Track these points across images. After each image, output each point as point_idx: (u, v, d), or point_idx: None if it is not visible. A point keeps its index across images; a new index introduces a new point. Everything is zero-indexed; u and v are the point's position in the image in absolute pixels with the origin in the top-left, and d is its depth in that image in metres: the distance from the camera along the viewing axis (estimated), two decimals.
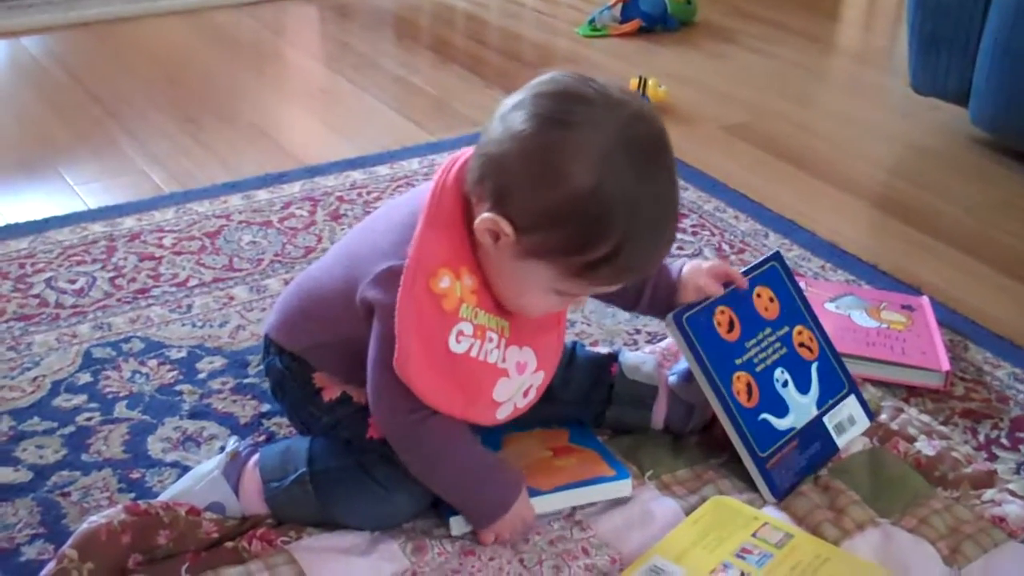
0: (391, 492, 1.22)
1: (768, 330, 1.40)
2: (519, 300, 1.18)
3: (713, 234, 1.98)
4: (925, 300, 1.73)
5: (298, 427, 1.37)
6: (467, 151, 1.17)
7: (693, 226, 2.00)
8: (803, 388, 1.40)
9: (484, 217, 1.11)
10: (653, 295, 1.36)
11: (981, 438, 1.47)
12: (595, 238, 1.07)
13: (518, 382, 1.23)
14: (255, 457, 1.28)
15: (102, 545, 1.16)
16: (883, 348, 1.58)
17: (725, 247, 1.93)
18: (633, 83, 2.56)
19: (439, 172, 1.18)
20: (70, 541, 1.16)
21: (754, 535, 1.24)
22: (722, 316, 1.36)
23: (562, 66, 2.87)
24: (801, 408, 1.38)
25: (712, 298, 1.36)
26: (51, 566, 1.14)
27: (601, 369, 1.42)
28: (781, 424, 1.35)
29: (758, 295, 1.42)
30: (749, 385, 1.35)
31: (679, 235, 1.96)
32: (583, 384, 1.40)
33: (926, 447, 1.40)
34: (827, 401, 1.41)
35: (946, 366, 1.55)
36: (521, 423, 1.32)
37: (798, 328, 1.43)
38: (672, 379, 1.41)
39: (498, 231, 1.10)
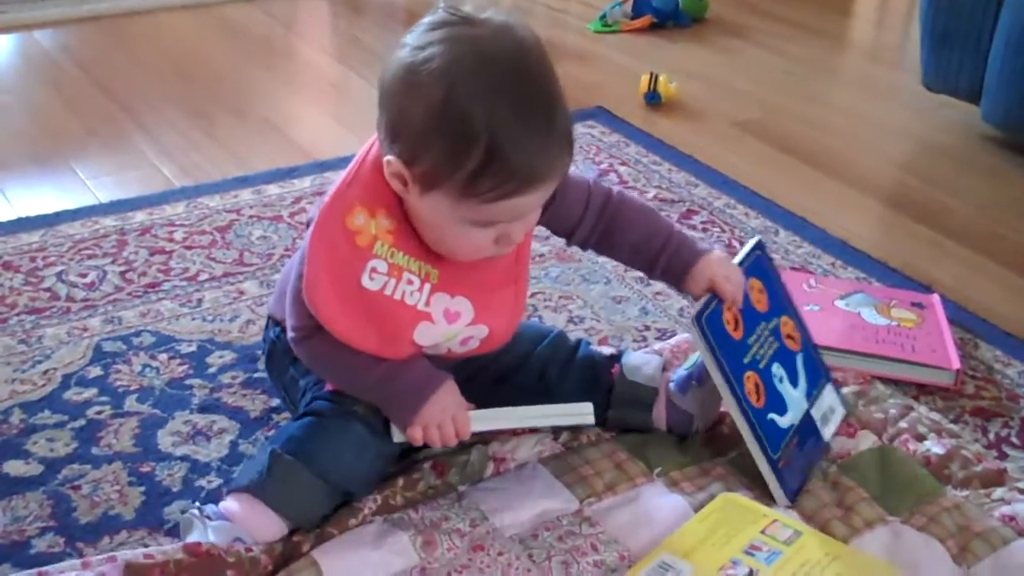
0: (349, 422, 1.24)
1: (762, 324, 1.38)
2: (444, 242, 1.20)
3: (723, 231, 1.97)
4: (935, 298, 1.73)
5: (282, 396, 1.42)
6: None
7: (704, 223, 2.00)
8: (794, 381, 1.38)
9: (386, 160, 1.16)
10: (668, 264, 1.35)
11: (991, 436, 1.46)
12: (463, 148, 1.08)
13: (446, 330, 1.24)
14: (227, 497, 1.25)
15: None
16: (893, 346, 1.58)
17: (735, 244, 1.92)
18: (644, 79, 2.56)
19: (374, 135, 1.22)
20: (113, 565, 1.11)
21: (763, 532, 1.24)
22: (729, 314, 1.34)
23: (572, 62, 2.88)
24: (796, 403, 1.37)
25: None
26: None
27: (601, 370, 1.40)
28: (783, 422, 1.34)
29: (750, 287, 1.38)
30: (757, 385, 1.33)
31: (690, 232, 1.96)
32: (580, 383, 1.38)
33: (936, 445, 1.40)
34: (812, 393, 1.40)
35: (956, 364, 1.55)
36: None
37: (783, 319, 1.42)
38: (671, 387, 1.40)
39: (398, 172, 1.14)
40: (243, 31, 3.09)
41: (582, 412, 1.31)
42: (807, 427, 1.37)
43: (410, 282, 1.21)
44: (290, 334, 1.25)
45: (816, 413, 1.39)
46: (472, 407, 1.28)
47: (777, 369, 1.37)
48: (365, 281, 1.19)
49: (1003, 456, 1.43)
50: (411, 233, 1.21)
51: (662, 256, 1.35)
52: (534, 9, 3.39)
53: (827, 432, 1.39)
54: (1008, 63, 2.18)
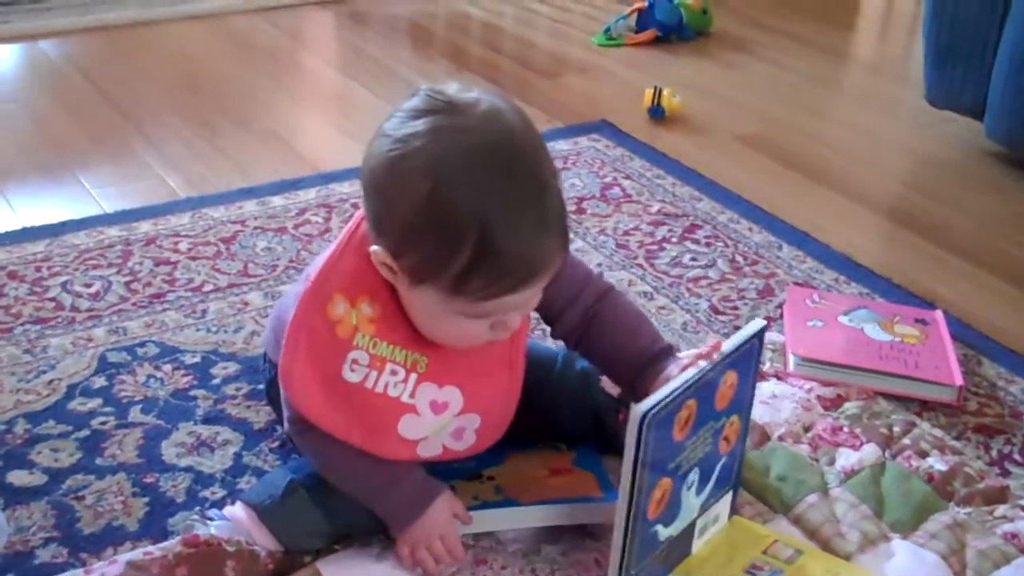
0: None
1: (711, 423, 1.19)
2: (436, 332, 1.15)
3: (727, 245, 1.98)
4: (939, 314, 1.73)
5: (282, 425, 1.37)
6: None
7: (707, 237, 2.00)
8: (701, 488, 1.21)
9: (372, 250, 1.11)
10: (639, 381, 1.25)
11: (994, 453, 1.46)
12: (450, 247, 1.04)
13: (433, 421, 1.19)
14: (237, 503, 1.26)
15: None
16: (896, 362, 1.58)
17: (739, 259, 1.93)
18: (648, 93, 2.57)
19: (361, 210, 1.17)
20: (114, 566, 1.13)
21: (764, 552, 1.24)
22: (685, 412, 1.13)
23: (576, 75, 2.88)
24: (688, 512, 1.21)
25: (687, 385, 1.12)
26: None
27: (606, 415, 1.36)
28: (664, 533, 1.18)
29: (724, 381, 1.18)
30: (664, 493, 1.15)
31: (693, 246, 1.97)
32: (581, 422, 1.36)
33: (938, 462, 1.40)
34: (711, 501, 1.24)
35: (959, 381, 1.55)
36: (527, 440, 1.32)
37: (732, 419, 1.23)
38: None
39: (386, 263, 1.11)
40: (248, 42, 3.10)
41: (606, 512, 1.22)
42: (683, 538, 1.22)
43: (394, 373, 1.17)
44: (286, 424, 1.24)
45: (700, 523, 1.24)
46: (470, 519, 1.24)
47: (693, 475, 1.19)
48: (346, 373, 1.15)
49: (1006, 473, 1.43)
50: (399, 320, 1.16)
51: (633, 369, 1.26)
52: (538, 22, 3.39)
53: (696, 545, 1.25)
54: (1012, 79, 2.18)
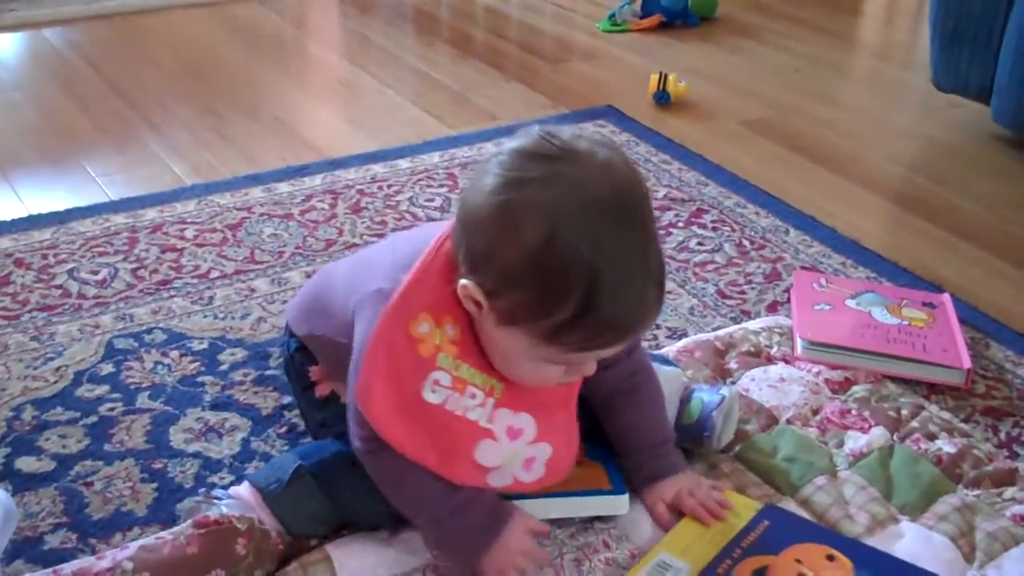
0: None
1: None
2: (513, 369, 1.14)
3: (734, 230, 1.97)
4: (946, 297, 1.72)
5: (298, 403, 1.40)
6: None
7: (714, 222, 2.00)
8: None
9: (461, 284, 1.09)
10: (644, 461, 1.28)
11: (1002, 436, 1.46)
12: (556, 298, 1.02)
13: (509, 448, 1.17)
14: (243, 484, 1.26)
15: (162, 556, 1.12)
16: (904, 345, 1.57)
17: (746, 243, 1.92)
18: (654, 78, 2.56)
19: (445, 228, 1.15)
20: (126, 551, 1.13)
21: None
22: None
23: (581, 61, 2.88)
24: None
25: None
26: (101, 566, 1.11)
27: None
28: None
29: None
30: None
31: (700, 231, 1.96)
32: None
33: (947, 444, 1.40)
34: None
35: (967, 363, 1.54)
36: None
37: None
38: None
39: (474, 298, 1.08)
40: (253, 30, 3.10)
41: (614, 504, 1.25)
42: None
43: (473, 396, 1.14)
44: (355, 443, 1.17)
45: None
46: (547, 530, 1.22)
47: None
48: (426, 393, 1.12)
49: (1014, 456, 1.42)
50: (478, 345, 1.14)
51: (644, 452, 1.28)
52: (543, 8, 3.39)
53: None
54: (1018, 62, 2.18)
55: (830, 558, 1.20)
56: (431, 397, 1.12)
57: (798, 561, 1.20)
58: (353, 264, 1.31)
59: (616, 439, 1.31)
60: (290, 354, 1.37)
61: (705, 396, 1.37)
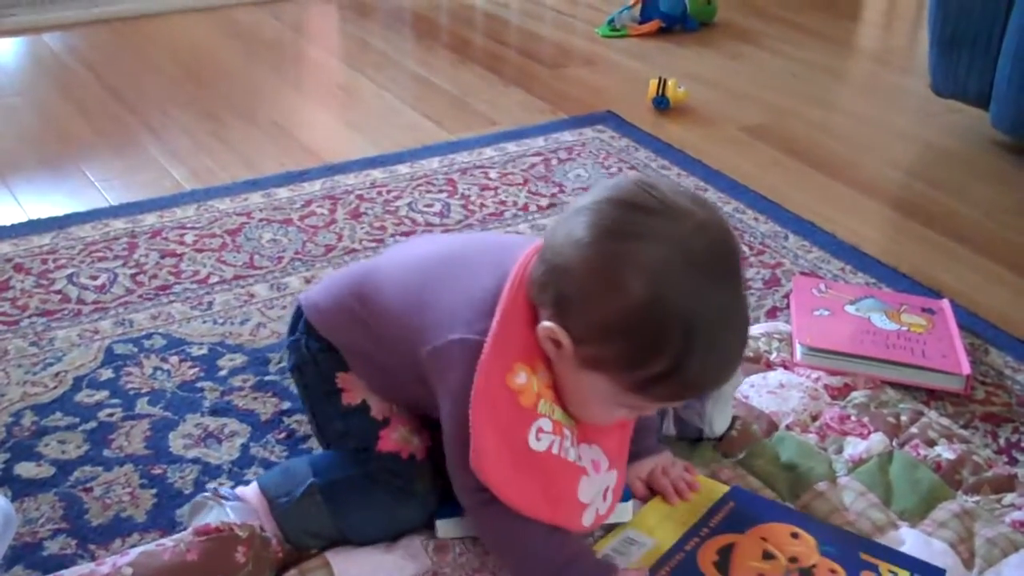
0: (398, 502, 1.21)
1: None
2: (586, 410, 1.15)
3: None
4: (946, 303, 1.72)
5: (309, 416, 1.35)
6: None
7: None
8: None
9: (543, 326, 1.09)
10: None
11: (1002, 442, 1.46)
12: (651, 354, 1.04)
13: (598, 481, 1.18)
14: (252, 484, 1.26)
15: (162, 562, 1.12)
16: (903, 351, 1.57)
17: (745, 249, 1.92)
18: (653, 84, 2.56)
19: (524, 256, 1.15)
20: (126, 557, 1.13)
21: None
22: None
23: (581, 67, 2.88)
24: None
25: None
26: (101, 572, 1.11)
27: None
28: None
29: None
30: None
31: None
32: None
33: (946, 451, 1.40)
34: None
35: (967, 369, 1.54)
36: None
37: None
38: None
39: (558, 341, 1.08)
40: (252, 34, 3.10)
41: (620, 512, 1.26)
42: None
43: (567, 436, 1.15)
44: (467, 497, 1.16)
45: None
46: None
47: None
48: (532, 442, 1.11)
49: (1013, 462, 1.42)
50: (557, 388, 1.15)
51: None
52: (543, 14, 3.39)
53: None
54: (1017, 68, 2.18)
55: (794, 535, 1.22)
56: (537, 445, 1.12)
57: (763, 539, 1.22)
58: (410, 285, 1.23)
59: None
60: (311, 356, 1.30)
61: None
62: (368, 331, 1.24)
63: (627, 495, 1.28)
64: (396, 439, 1.24)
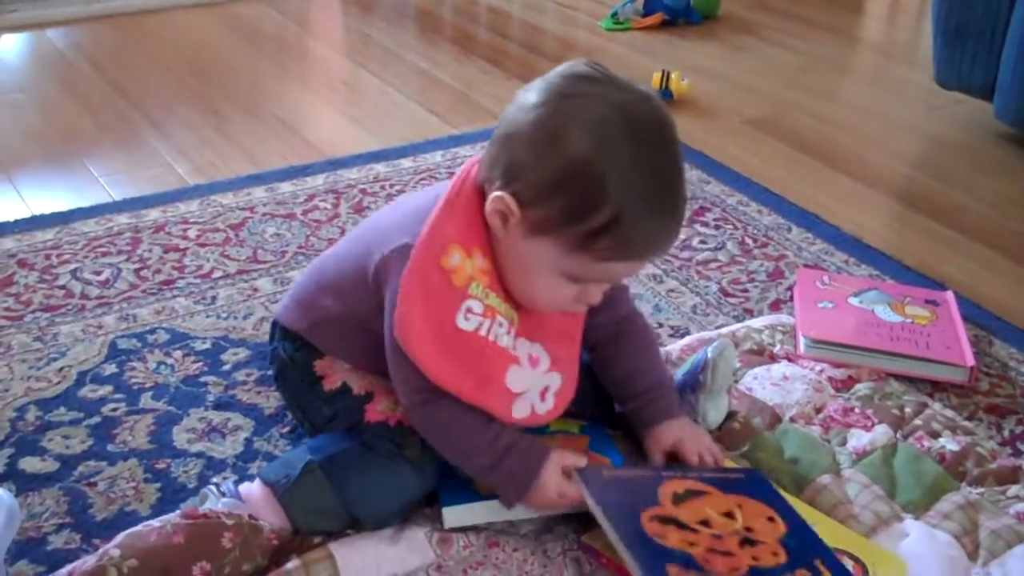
0: (396, 465, 1.23)
1: None
2: (530, 287, 1.20)
3: (736, 228, 1.97)
4: (949, 295, 1.72)
5: (298, 418, 1.38)
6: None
7: (716, 220, 2.00)
8: None
9: (493, 196, 1.15)
10: (641, 408, 1.33)
11: (1006, 434, 1.46)
12: (592, 204, 1.10)
13: (532, 375, 1.23)
14: (255, 480, 1.26)
15: (148, 543, 1.13)
16: (907, 343, 1.57)
17: (748, 241, 1.92)
18: (656, 77, 2.56)
19: (465, 165, 1.23)
20: (114, 541, 1.14)
21: None
22: None
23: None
24: None
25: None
26: (90, 561, 1.12)
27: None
28: None
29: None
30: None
31: (702, 229, 1.96)
32: (589, 394, 1.37)
33: (950, 442, 1.40)
34: None
35: (971, 361, 1.54)
36: (542, 427, 1.33)
37: None
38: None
39: (505, 210, 1.14)
40: (256, 29, 3.10)
41: None
42: None
43: (500, 324, 1.20)
44: (405, 399, 1.23)
45: None
46: (584, 462, 1.23)
47: None
48: (460, 321, 1.17)
49: (1018, 453, 1.42)
50: (500, 276, 1.21)
51: (641, 397, 1.33)
52: (546, 7, 3.39)
53: None
54: (1021, 59, 2.17)
55: (769, 519, 1.21)
56: (465, 324, 1.18)
57: (738, 505, 1.22)
58: (353, 240, 1.34)
59: (615, 391, 1.37)
60: (288, 357, 1.36)
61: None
62: (330, 293, 1.31)
63: (619, 462, 1.29)
64: (381, 409, 1.28)
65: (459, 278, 1.17)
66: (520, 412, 1.23)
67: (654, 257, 1.21)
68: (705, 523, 1.17)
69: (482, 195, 1.19)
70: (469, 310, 1.18)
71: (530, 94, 1.15)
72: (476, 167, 1.21)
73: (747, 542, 1.16)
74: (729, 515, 1.20)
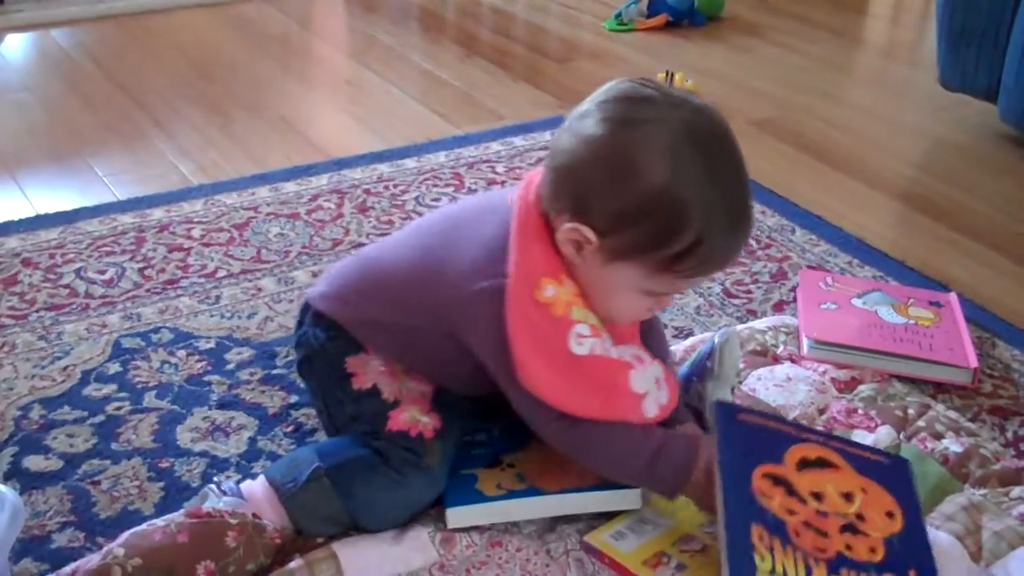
0: (407, 477, 1.22)
1: None
2: (609, 306, 1.20)
3: None
4: (953, 297, 1.72)
5: (318, 408, 1.36)
6: (540, 171, 1.21)
7: None
8: None
9: (566, 228, 1.15)
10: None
11: (1009, 435, 1.46)
12: (677, 229, 1.11)
13: (646, 372, 1.23)
14: (259, 478, 1.26)
15: (153, 542, 1.13)
16: (910, 344, 1.57)
17: (752, 242, 1.92)
18: (660, 78, 2.56)
19: (520, 189, 1.22)
20: (118, 540, 1.15)
21: None
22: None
23: (588, 61, 2.88)
24: None
25: None
26: (94, 560, 1.13)
27: None
28: None
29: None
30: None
31: None
32: None
33: (953, 444, 1.40)
34: None
35: (974, 363, 1.54)
36: None
37: None
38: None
39: (582, 240, 1.14)
40: (259, 29, 3.10)
41: (629, 498, 1.26)
42: None
43: (604, 338, 1.21)
44: (544, 431, 1.22)
45: None
46: None
47: None
48: (574, 348, 1.17)
49: (1021, 455, 1.42)
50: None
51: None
52: (550, 7, 3.39)
53: None
54: None
55: (889, 514, 1.19)
56: (579, 350, 1.18)
57: (863, 490, 1.20)
58: (413, 257, 1.28)
59: None
60: (319, 346, 1.33)
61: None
62: (381, 302, 1.29)
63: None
64: (405, 419, 1.26)
65: (559, 308, 1.17)
66: (651, 410, 1.23)
67: (734, 261, 1.24)
68: (818, 496, 1.17)
69: (546, 220, 1.19)
70: (580, 335, 1.18)
71: (588, 122, 1.14)
72: (531, 192, 1.20)
73: (850, 528, 1.15)
74: (848, 496, 1.19)
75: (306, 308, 1.37)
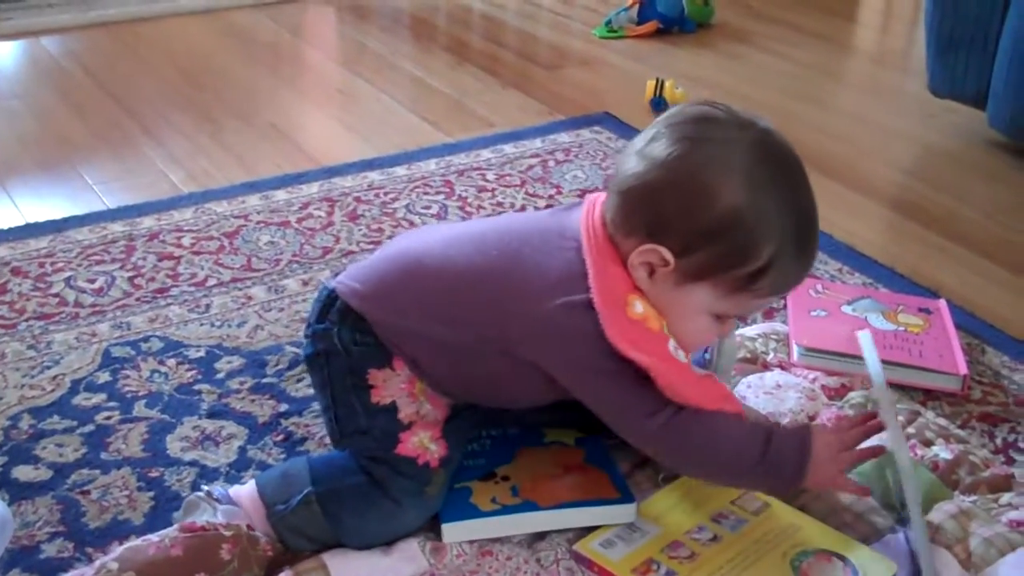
0: (403, 507, 1.21)
1: None
2: (677, 330, 1.20)
3: None
4: (942, 303, 1.73)
5: (325, 404, 1.28)
6: (598, 195, 1.24)
7: None
8: None
9: (643, 249, 1.15)
10: None
11: (998, 442, 1.46)
12: (753, 247, 1.13)
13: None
14: (249, 485, 1.26)
15: (147, 556, 1.12)
16: (900, 351, 1.58)
17: None
18: (650, 85, 2.57)
19: (584, 211, 1.22)
20: (112, 554, 1.14)
21: (732, 503, 1.29)
22: None
23: (578, 68, 2.88)
24: None
25: None
26: (88, 574, 1.12)
27: None
28: None
29: None
30: None
31: None
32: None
33: (943, 451, 1.40)
34: None
35: (963, 369, 1.54)
36: (538, 436, 1.35)
37: None
38: None
39: (657, 262, 1.15)
40: (250, 37, 3.10)
41: (622, 513, 1.26)
42: None
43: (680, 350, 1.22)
44: (646, 428, 1.19)
45: None
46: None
47: None
48: (680, 358, 1.19)
49: (1010, 461, 1.42)
50: None
51: None
52: (539, 15, 3.39)
53: None
54: (1014, 68, 2.18)
55: None
56: (683, 358, 1.19)
57: None
58: (464, 260, 1.24)
59: None
60: (343, 347, 1.25)
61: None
62: (426, 306, 1.23)
63: (629, 496, 1.27)
64: (415, 444, 1.23)
65: (653, 322, 1.18)
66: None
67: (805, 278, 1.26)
68: None
69: (615, 247, 1.19)
70: (676, 347, 1.19)
71: (657, 145, 1.15)
72: (596, 215, 1.21)
73: None
74: None
75: (330, 301, 1.27)
